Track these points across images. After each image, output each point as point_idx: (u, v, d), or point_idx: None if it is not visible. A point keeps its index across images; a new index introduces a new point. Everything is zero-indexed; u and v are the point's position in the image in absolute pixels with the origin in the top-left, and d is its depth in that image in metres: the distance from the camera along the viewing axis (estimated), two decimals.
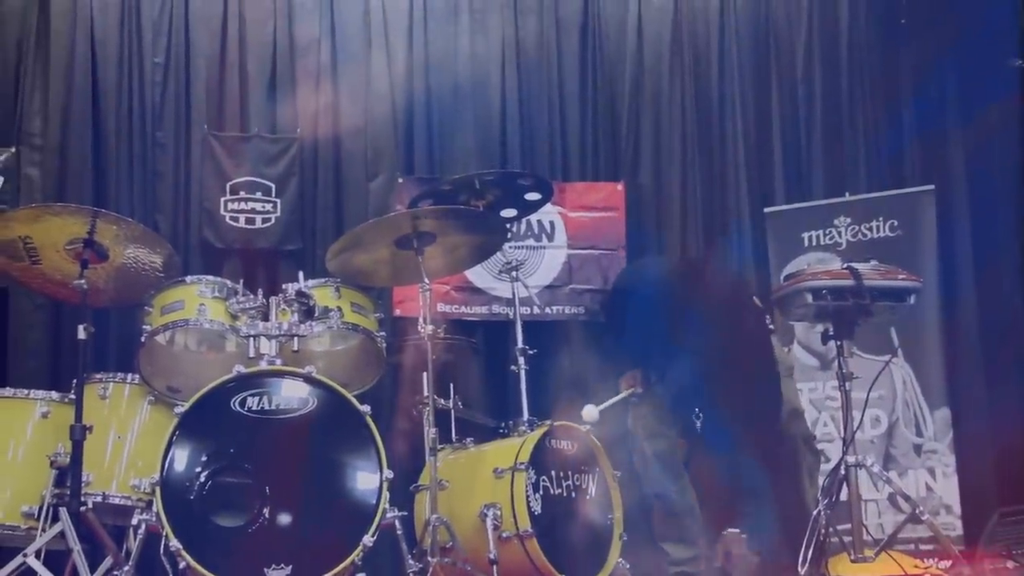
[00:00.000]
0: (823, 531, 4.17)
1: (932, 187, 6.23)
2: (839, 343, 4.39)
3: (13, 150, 5.77)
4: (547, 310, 6.10)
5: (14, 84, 5.91)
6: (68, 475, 4.08)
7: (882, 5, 6.73)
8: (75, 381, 4.22)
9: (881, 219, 6.17)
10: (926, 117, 6.54)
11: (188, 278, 4.63)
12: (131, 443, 4.53)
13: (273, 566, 3.86)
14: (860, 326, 4.43)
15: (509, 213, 5.18)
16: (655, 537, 4.96)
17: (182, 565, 3.86)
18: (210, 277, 4.65)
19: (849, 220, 6.16)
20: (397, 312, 5.87)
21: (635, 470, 4.93)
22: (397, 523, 4.14)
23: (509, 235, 5.23)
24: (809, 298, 4.29)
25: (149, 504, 4.06)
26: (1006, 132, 6.10)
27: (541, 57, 6.51)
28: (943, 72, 6.53)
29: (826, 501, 4.23)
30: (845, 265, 4.32)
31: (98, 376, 4.62)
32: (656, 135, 6.51)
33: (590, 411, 4.84)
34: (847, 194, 6.27)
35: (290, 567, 3.87)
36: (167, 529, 3.86)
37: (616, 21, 6.61)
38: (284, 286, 4.64)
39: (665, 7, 6.63)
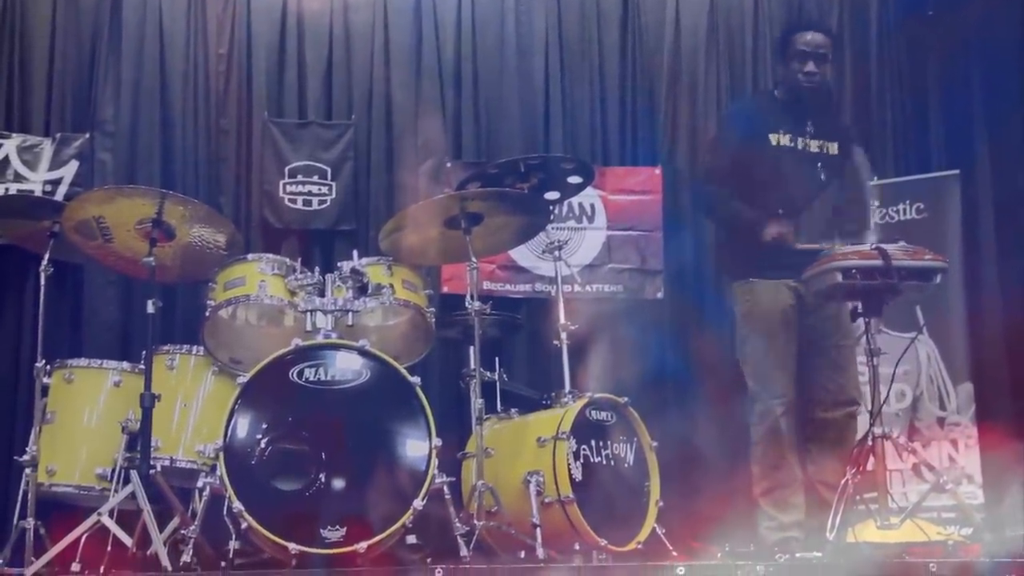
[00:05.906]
0: (850, 499, 4.12)
1: (957, 172, 6.14)
2: (867, 320, 4.31)
3: (87, 136, 5.82)
4: (587, 288, 6.06)
5: (89, 75, 5.94)
6: (138, 440, 4.12)
7: None
8: (144, 352, 4.24)
9: (908, 202, 6.10)
10: (951, 104, 6.43)
11: (249, 256, 4.64)
12: (196, 411, 4.57)
13: (328, 527, 3.85)
14: (888, 304, 4.35)
15: (552, 196, 5.13)
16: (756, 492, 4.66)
17: (244, 525, 3.87)
18: (270, 255, 4.64)
19: (877, 203, 6.04)
20: (445, 289, 5.86)
21: None
22: (445, 488, 4.11)
23: (552, 216, 5.19)
24: (839, 277, 4.21)
25: (213, 468, 4.08)
26: None
27: (583, 48, 6.46)
28: (968, 60, 6.40)
29: (853, 471, 4.18)
30: (874, 246, 4.24)
31: (166, 348, 4.65)
32: (692, 122, 6.44)
33: None
34: (875, 178, 6.14)
35: (344, 528, 3.86)
36: (230, 492, 3.86)
37: (654, 13, 6.54)
38: (339, 264, 4.65)
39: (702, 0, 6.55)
